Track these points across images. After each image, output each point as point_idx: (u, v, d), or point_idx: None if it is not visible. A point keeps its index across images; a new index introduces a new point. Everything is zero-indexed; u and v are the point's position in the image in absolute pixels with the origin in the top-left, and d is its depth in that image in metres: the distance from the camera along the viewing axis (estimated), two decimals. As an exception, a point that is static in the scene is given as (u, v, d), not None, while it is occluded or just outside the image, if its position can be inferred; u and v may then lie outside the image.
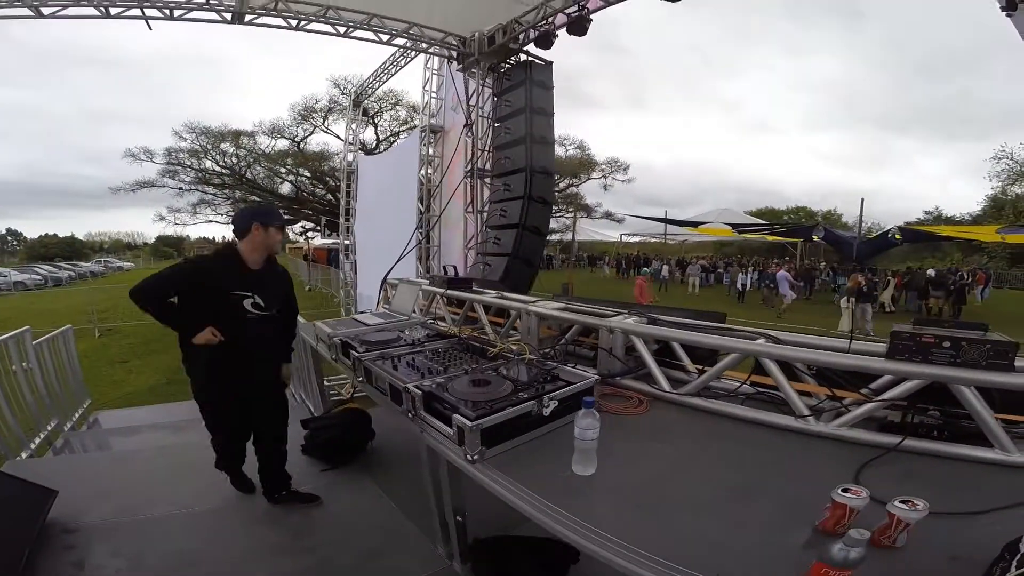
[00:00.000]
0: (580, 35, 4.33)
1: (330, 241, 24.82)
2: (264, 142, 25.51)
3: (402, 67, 7.74)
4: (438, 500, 2.23)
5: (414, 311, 3.37)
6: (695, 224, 21.18)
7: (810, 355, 2.03)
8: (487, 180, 6.01)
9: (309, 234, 31.93)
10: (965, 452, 1.64)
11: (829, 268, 22.63)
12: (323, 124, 24.87)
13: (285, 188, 27.60)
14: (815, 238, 19.14)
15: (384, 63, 7.92)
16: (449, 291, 3.53)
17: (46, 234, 53.99)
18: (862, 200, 18.09)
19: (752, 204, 40.72)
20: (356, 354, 2.33)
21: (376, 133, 24.30)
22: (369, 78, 8.82)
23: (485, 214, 5.99)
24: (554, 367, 2.16)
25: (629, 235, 32.87)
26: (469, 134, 5.79)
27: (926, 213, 34.58)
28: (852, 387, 1.97)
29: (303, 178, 27.12)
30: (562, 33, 4.49)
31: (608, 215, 34.41)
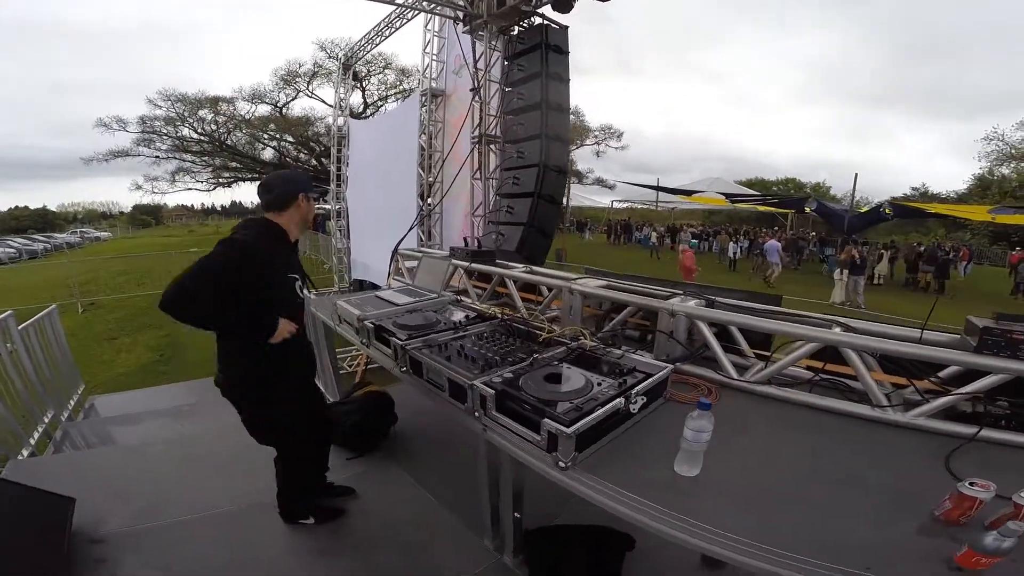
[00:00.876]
0: (603, 0, 4.01)
1: (319, 207, 24.16)
2: (244, 108, 24.43)
3: (398, 28, 7.25)
4: (492, 495, 2.09)
5: (444, 289, 3.12)
6: (688, 192, 21.04)
7: (892, 346, 1.93)
8: (494, 146, 5.71)
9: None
10: None
11: (816, 239, 22.83)
12: (307, 88, 23.86)
13: (267, 154, 26.62)
14: (808, 210, 19.14)
15: (379, 24, 7.41)
16: (474, 264, 3.31)
17: (16, 206, 51.75)
18: (855, 175, 18.11)
19: (740, 174, 40.71)
20: (398, 342, 2.12)
21: (364, 97, 23.41)
22: (361, 40, 8.28)
23: (494, 181, 5.72)
24: (620, 355, 2.00)
25: (620, 201, 32.72)
26: (477, 98, 5.45)
27: (913, 189, 35.07)
28: (921, 376, 1.93)
29: (286, 143, 26.11)
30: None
31: (600, 181, 34.01)
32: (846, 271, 12.79)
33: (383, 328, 2.36)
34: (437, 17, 6.45)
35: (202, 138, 24.51)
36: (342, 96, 10.38)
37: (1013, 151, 24.27)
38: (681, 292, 2.50)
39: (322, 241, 18.48)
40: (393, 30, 7.19)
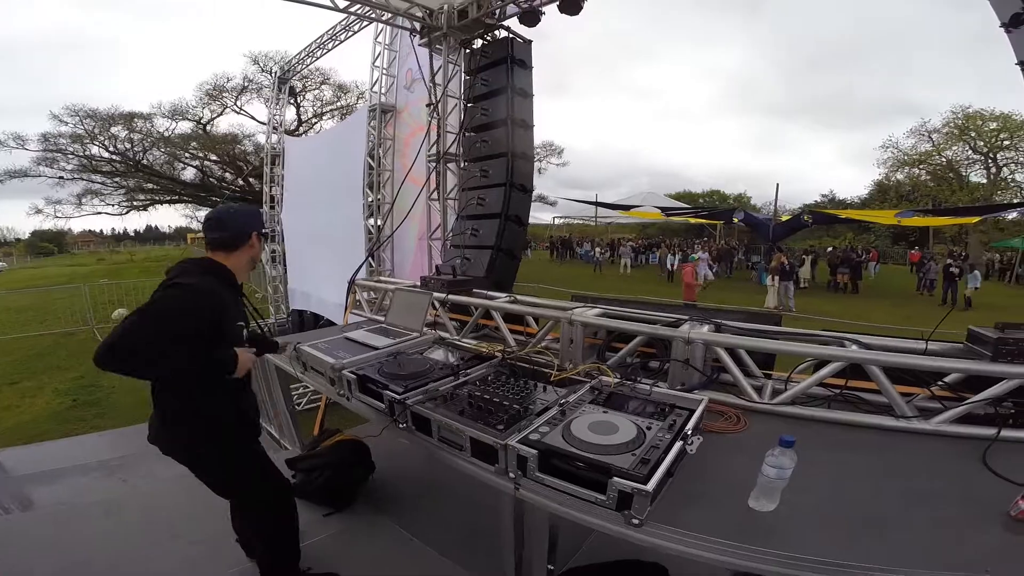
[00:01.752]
0: (573, 14, 3.93)
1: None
2: (163, 125, 22.51)
3: (342, 41, 6.91)
4: (518, 547, 1.87)
5: (425, 328, 2.79)
6: (627, 207, 21.70)
7: (911, 360, 1.97)
8: (452, 165, 5.49)
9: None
10: None
11: (743, 248, 24.31)
12: (235, 104, 22.38)
13: (188, 174, 24.67)
14: (735, 221, 20.31)
15: (322, 36, 7.03)
16: (460, 297, 3.05)
17: None
18: (777, 185, 19.43)
19: (667, 187, 42.70)
20: (393, 395, 1.82)
21: (298, 114, 22.30)
22: (301, 53, 7.84)
23: (452, 202, 5.48)
24: (649, 391, 1.84)
25: (560, 217, 33.33)
26: (434, 114, 5.21)
27: (823, 196, 37.97)
28: (928, 384, 2.00)
29: (210, 163, 24.37)
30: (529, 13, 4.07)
31: (541, 198, 34.49)
32: (776, 277, 13.57)
33: (369, 379, 2.04)
34: (389, 29, 6.18)
35: (114, 157, 22.31)
36: (276, 112, 9.79)
37: (906, 158, 27.13)
38: (687, 318, 2.40)
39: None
40: (338, 43, 6.84)
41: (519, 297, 3.09)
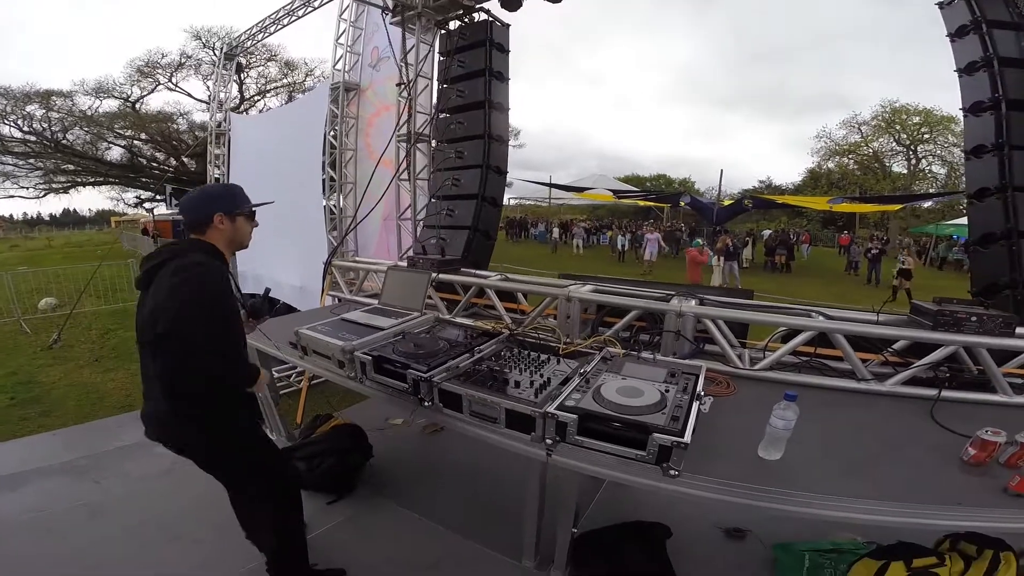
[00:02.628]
0: (555, 1, 3.99)
1: (177, 212, 21.27)
2: (86, 103, 20.68)
3: (300, 17, 6.60)
4: (539, 515, 2.00)
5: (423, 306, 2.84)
6: (580, 189, 22.08)
7: (868, 329, 2.26)
8: (422, 146, 5.46)
9: (147, 205, 27.04)
10: (983, 397, 2.12)
11: (688, 230, 25.43)
12: (170, 80, 20.88)
13: (114, 154, 22.78)
14: (682, 204, 21.16)
15: (277, 11, 6.69)
16: (442, 275, 3.12)
17: None
18: (721, 171, 20.33)
19: (613, 170, 43.67)
20: (418, 374, 1.88)
21: (241, 91, 21.02)
22: (252, 28, 7.41)
23: (422, 183, 5.48)
24: (652, 359, 2.01)
25: (515, 198, 33.40)
26: (404, 94, 5.14)
27: (760, 182, 39.99)
28: (879, 351, 2.32)
29: (140, 142, 22.61)
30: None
31: (494, 179, 34.24)
32: (722, 258, 14.34)
33: (386, 359, 2.09)
34: (355, 6, 5.98)
35: (28, 137, 20.30)
36: (220, 90, 9.24)
37: (837, 147, 29.07)
38: (674, 293, 2.59)
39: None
40: (295, 18, 6.54)
41: (510, 276, 3.19)
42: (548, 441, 1.55)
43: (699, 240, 16.10)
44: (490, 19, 4.58)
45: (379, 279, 3.76)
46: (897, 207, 20.00)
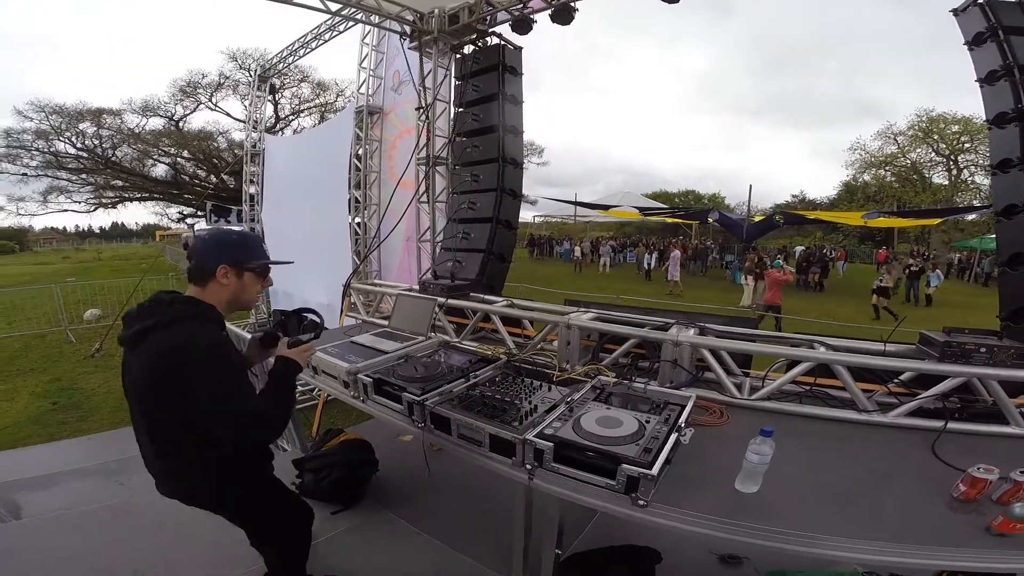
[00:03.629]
0: (565, 23, 4.10)
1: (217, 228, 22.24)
2: (133, 121, 22.00)
3: (327, 41, 6.93)
4: (527, 536, 2.04)
5: (430, 332, 2.94)
6: (605, 207, 22.06)
7: (872, 361, 2.21)
8: (441, 169, 5.63)
9: (188, 220, 28.35)
10: (994, 429, 2.03)
11: (717, 247, 24.98)
12: (210, 100, 22.04)
13: (159, 171, 24.16)
14: (710, 221, 20.86)
15: (305, 35, 7.04)
16: (462, 302, 3.21)
17: None
18: (750, 186, 20.17)
19: (642, 187, 43.40)
20: (412, 397, 1.97)
21: (276, 111, 22.05)
22: (283, 51, 7.82)
23: (443, 205, 5.63)
24: (644, 389, 2.04)
25: (540, 216, 33.64)
26: (424, 118, 5.33)
27: (793, 196, 39.00)
28: (885, 382, 2.27)
29: (182, 160, 23.87)
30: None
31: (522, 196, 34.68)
32: (751, 277, 14.04)
33: (385, 382, 2.19)
34: (376, 31, 6.24)
35: (81, 153, 21.70)
36: (255, 109, 9.72)
37: (872, 159, 28.33)
38: (674, 322, 2.61)
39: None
40: (322, 42, 6.86)
41: (516, 301, 3.26)
42: (528, 467, 1.60)
43: (778, 261, 15.72)
44: (502, 43, 4.72)
45: (392, 302, 3.89)
46: (937, 221, 19.22)
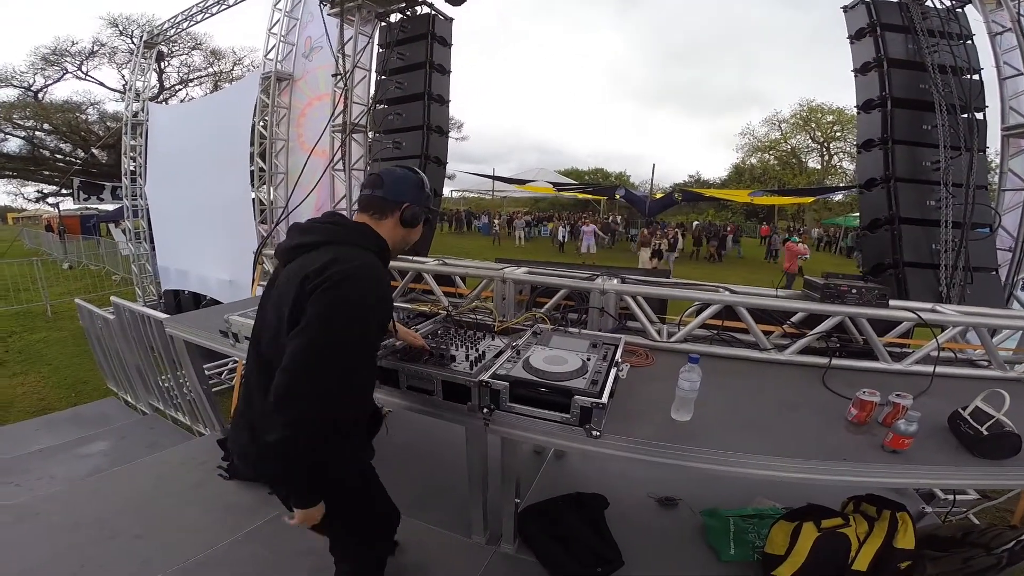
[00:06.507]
0: (455, 5, 4.12)
1: (86, 207, 19.56)
2: (-24, 92, 18.68)
3: (230, 6, 6.32)
4: (484, 490, 2.11)
5: None
6: (522, 182, 22.36)
7: (768, 302, 2.52)
8: (358, 136, 5.44)
9: (51, 199, 24.63)
10: (868, 365, 2.37)
11: (623, 222, 26.54)
12: (79, 69, 19.31)
13: (11, 145, 20.74)
14: (617, 197, 21.91)
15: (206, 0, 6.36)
16: (396, 262, 3.17)
17: None
18: (653, 166, 21.52)
19: (552, 163, 44.28)
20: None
21: (160, 80, 19.66)
22: (177, 16, 6.99)
23: (360, 172, 5.47)
24: (577, 332, 2.19)
25: (458, 191, 33.35)
26: (340, 85, 5.09)
27: (690, 176, 41.81)
28: (778, 323, 2.60)
29: (43, 133, 20.68)
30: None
31: (438, 171, 34.05)
32: (643, 248, 14.82)
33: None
34: (291, -6, 5.81)
35: (-93, 129, 18.10)
36: (138, 79, 8.63)
37: (759, 144, 31.40)
38: (599, 273, 2.80)
39: (104, 248, 15.10)
40: (225, 7, 6.24)
41: (448, 260, 3.29)
42: (484, 411, 1.68)
43: (795, 237, 16.90)
44: (433, 13, 4.63)
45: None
46: (811, 199, 21.75)
